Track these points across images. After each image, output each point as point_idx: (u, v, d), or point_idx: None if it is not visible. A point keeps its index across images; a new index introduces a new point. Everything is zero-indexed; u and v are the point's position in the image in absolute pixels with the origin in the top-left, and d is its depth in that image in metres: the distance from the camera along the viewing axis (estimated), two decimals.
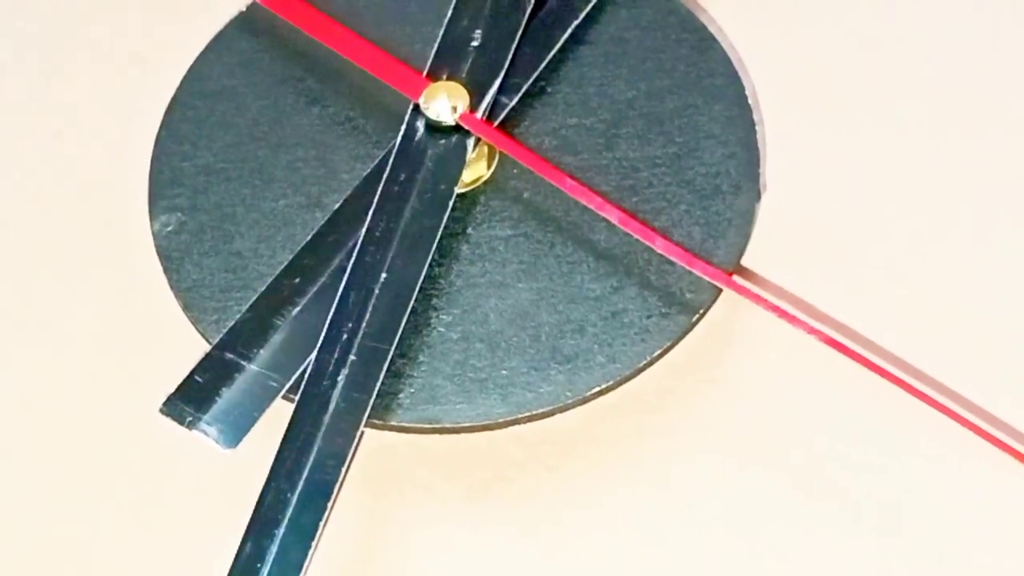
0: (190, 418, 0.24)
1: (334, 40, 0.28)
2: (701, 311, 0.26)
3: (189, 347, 0.25)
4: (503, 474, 0.26)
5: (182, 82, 0.29)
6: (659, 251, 0.25)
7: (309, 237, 0.26)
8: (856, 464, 0.25)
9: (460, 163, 0.26)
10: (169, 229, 0.27)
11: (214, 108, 0.28)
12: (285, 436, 0.24)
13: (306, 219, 0.27)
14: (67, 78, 0.30)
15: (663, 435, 0.27)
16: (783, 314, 0.24)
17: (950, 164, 0.29)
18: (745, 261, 0.27)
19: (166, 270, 0.27)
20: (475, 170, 0.27)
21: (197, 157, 0.28)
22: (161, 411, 0.24)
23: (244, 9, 0.30)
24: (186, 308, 0.26)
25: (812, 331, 0.24)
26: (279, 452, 0.24)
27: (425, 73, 0.27)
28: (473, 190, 0.27)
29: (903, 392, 0.24)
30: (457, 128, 0.26)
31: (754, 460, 0.26)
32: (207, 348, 0.25)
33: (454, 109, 0.26)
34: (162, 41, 0.30)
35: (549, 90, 0.28)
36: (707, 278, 0.25)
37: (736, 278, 0.26)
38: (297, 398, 0.24)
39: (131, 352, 0.27)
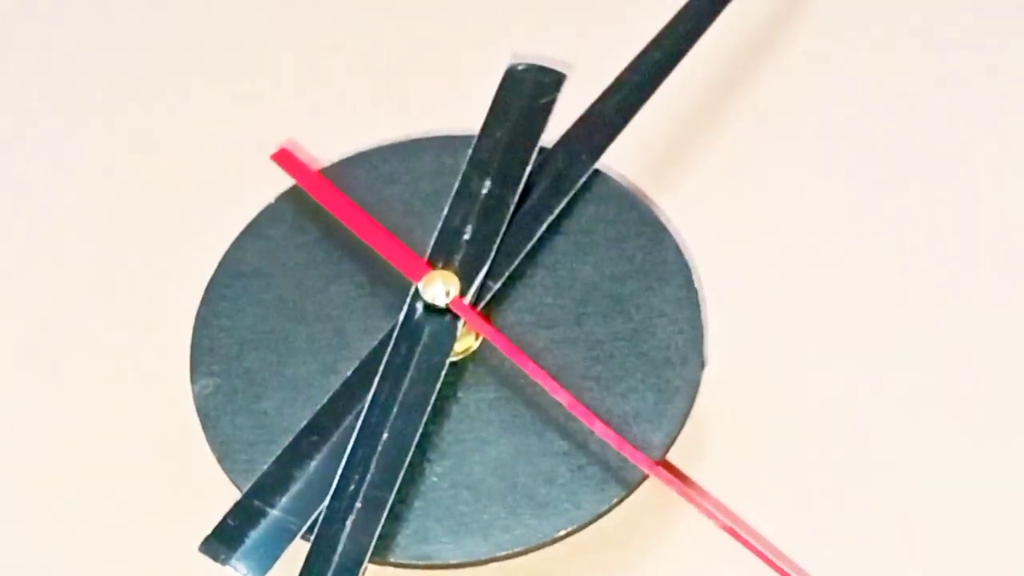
0: (223, 555, 0.29)
1: (356, 224, 0.33)
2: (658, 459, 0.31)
3: (223, 494, 0.30)
4: None
5: (219, 264, 0.34)
6: (597, 434, 0.29)
7: (325, 401, 0.31)
8: None
9: (451, 339, 0.31)
10: (207, 391, 0.32)
11: (247, 287, 0.33)
12: (302, 572, 0.28)
13: (323, 383, 0.32)
14: (120, 260, 0.36)
15: (626, 569, 0.31)
16: (692, 501, 0.29)
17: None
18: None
19: (204, 426, 0.32)
20: (465, 342, 0.32)
21: (232, 330, 0.33)
22: (200, 549, 0.29)
23: (272, 202, 0.35)
24: (220, 460, 0.31)
25: (712, 517, 0.29)
26: None
27: (426, 259, 0.33)
28: (463, 359, 0.32)
29: None
30: (449, 310, 0.32)
31: None
32: (238, 495, 0.30)
33: (447, 294, 0.31)
34: (202, 229, 0.36)
35: (528, 273, 0.33)
36: (634, 462, 0.29)
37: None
38: (312, 539, 0.29)
39: (174, 497, 0.32)
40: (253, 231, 0.35)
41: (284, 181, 0.35)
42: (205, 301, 0.33)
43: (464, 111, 0.35)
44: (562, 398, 0.30)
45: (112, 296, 0.35)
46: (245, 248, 0.34)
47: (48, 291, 0.36)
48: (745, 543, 0.28)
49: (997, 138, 0.38)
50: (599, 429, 0.29)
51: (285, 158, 0.34)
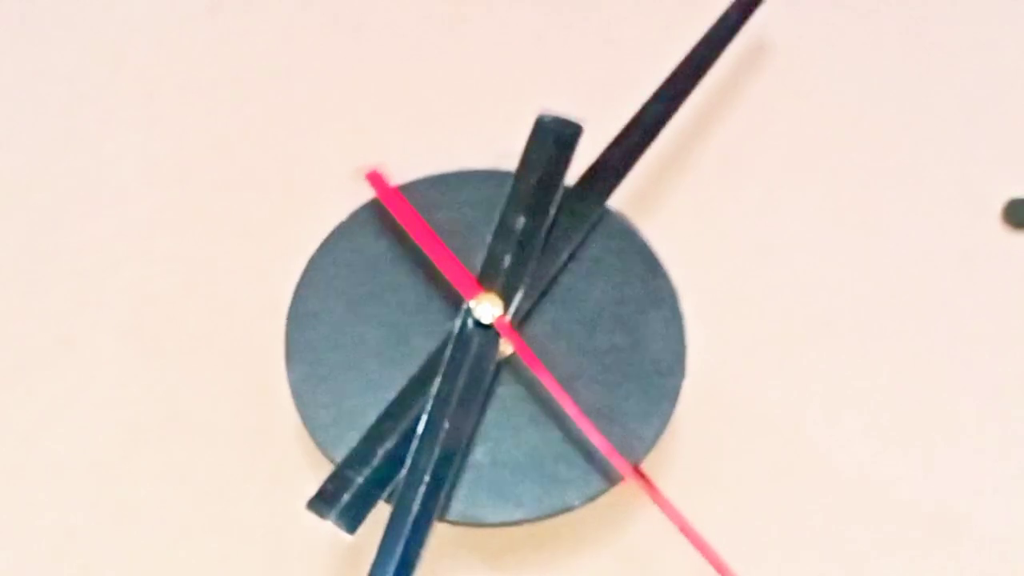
0: (325, 512, 0.38)
1: (426, 243, 0.41)
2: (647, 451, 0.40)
3: (319, 464, 0.39)
4: (510, 548, 0.40)
5: (301, 276, 0.42)
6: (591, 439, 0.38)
7: (397, 394, 0.40)
8: None
9: (496, 350, 0.40)
10: (301, 380, 0.40)
11: (326, 295, 0.42)
12: (388, 526, 0.38)
13: (393, 377, 0.40)
14: (223, 261, 0.44)
15: (624, 532, 0.41)
16: (658, 501, 0.37)
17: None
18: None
19: (298, 409, 0.40)
20: (505, 348, 0.41)
21: (317, 328, 0.41)
22: (307, 507, 0.38)
23: (344, 220, 0.43)
24: (312, 434, 0.40)
25: (673, 519, 0.37)
26: (384, 538, 0.37)
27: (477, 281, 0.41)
28: (503, 359, 0.41)
29: None
30: (493, 326, 0.40)
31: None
32: (332, 466, 0.39)
33: (492, 314, 0.40)
34: (287, 245, 0.43)
35: (552, 294, 0.42)
36: (615, 466, 0.38)
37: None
38: (393, 503, 0.38)
39: (277, 466, 0.41)
40: (327, 247, 0.42)
41: (349, 200, 0.43)
42: (293, 305, 0.41)
43: (494, 151, 0.44)
44: (568, 408, 0.39)
45: (222, 300, 0.44)
46: (321, 262, 0.42)
47: (153, 287, 0.44)
48: (699, 547, 0.37)
49: (958, 177, 0.48)
50: (593, 436, 0.39)
51: (375, 178, 0.42)
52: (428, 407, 0.39)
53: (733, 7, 0.47)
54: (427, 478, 0.39)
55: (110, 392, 0.43)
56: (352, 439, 0.40)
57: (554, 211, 0.42)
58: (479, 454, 0.40)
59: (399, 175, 0.43)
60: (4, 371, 0.43)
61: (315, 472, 0.39)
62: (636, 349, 0.42)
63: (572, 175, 0.43)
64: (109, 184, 0.46)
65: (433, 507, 0.38)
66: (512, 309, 0.41)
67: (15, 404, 0.43)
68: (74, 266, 0.45)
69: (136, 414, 0.43)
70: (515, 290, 0.41)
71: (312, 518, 0.38)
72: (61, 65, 0.49)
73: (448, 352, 0.40)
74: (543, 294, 0.42)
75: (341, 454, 0.39)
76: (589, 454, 0.40)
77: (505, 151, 0.43)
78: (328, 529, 0.38)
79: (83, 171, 0.47)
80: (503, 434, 0.40)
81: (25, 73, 0.49)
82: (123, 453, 0.42)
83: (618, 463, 0.39)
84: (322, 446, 0.40)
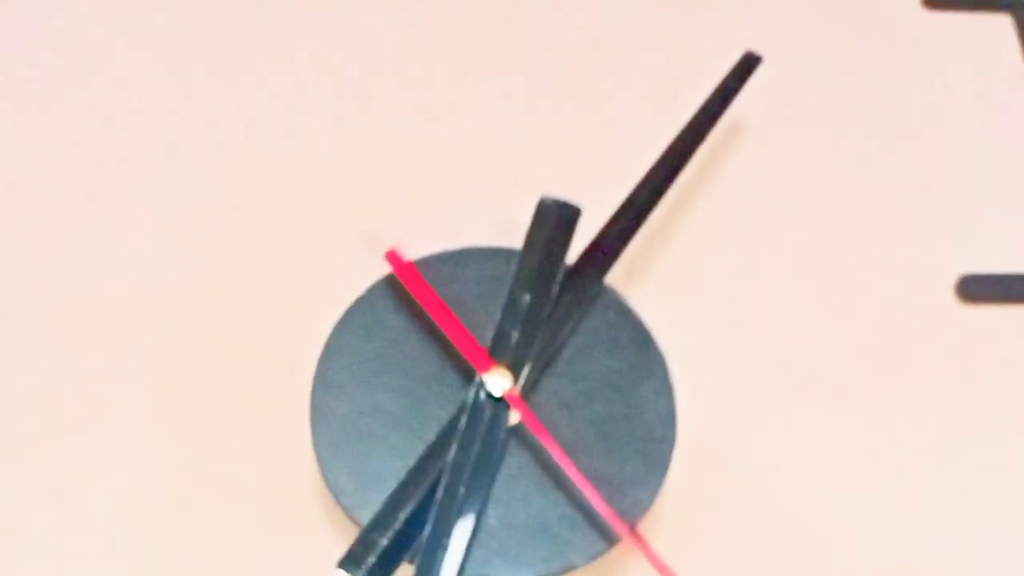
0: (354, 572, 0.41)
1: (439, 317, 0.44)
2: (643, 513, 0.44)
3: (339, 522, 0.42)
4: None
5: (325, 346, 0.45)
6: (592, 503, 0.42)
7: (416, 461, 0.43)
8: None
9: (506, 420, 0.44)
10: (325, 447, 0.44)
11: (347, 365, 0.45)
12: None
13: (410, 444, 0.44)
14: (246, 329, 0.47)
15: None
16: (660, 569, 0.41)
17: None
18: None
19: (323, 475, 0.43)
20: (515, 416, 0.45)
21: (340, 398, 0.45)
22: (338, 567, 0.41)
23: (364, 293, 0.46)
24: (336, 496, 0.43)
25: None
26: None
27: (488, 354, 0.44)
28: (513, 427, 0.45)
29: None
30: (504, 399, 0.44)
31: None
32: (352, 525, 0.42)
33: (502, 387, 0.44)
34: (306, 313, 0.47)
35: (554, 366, 0.46)
36: (613, 528, 0.42)
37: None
38: (416, 563, 0.42)
39: (303, 527, 0.44)
40: (348, 319, 0.46)
41: (363, 268, 0.47)
42: (317, 376, 0.45)
43: (497, 223, 0.47)
44: (571, 473, 0.43)
45: (249, 376, 0.47)
46: (343, 333, 0.46)
47: (177, 355, 0.47)
48: None
49: (915, 254, 0.52)
50: (594, 500, 0.43)
51: (393, 257, 0.46)
52: (446, 474, 0.43)
53: (715, 95, 0.51)
54: (446, 540, 0.42)
55: (137, 455, 0.46)
56: (374, 502, 0.43)
57: (557, 289, 0.46)
58: (490, 517, 0.44)
59: (412, 246, 0.47)
60: (32, 436, 0.46)
61: (335, 529, 0.43)
62: (631, 418, 0.45)
63: (573, 254, 0.47)
64: (134, 252, 0.49)
65: (452, 568, 0.42)
66: (521, 380, 0.45)
67: (43, 467, 0.45)
68: (101, 333, 0.48)
69: (162, 478, 0.45)
70: (523, 364, 0.45)
71: None
72: (84, 133, 0.51)
73: (462, 422, 0.44)
74: (546, 366, 0.46)
75: (364, 517, 0.43)
76: (590, 517, 0.44)
77: (507, 223, 0.47)
78: None
79: (111, 239, 0.49)
80: (513, 499, 0.44)
81: (44, 141, 0.51)
82: (150, 516, 0.45)
83: (617, 525, 0.43)
84: (347, 510, 0.43)
